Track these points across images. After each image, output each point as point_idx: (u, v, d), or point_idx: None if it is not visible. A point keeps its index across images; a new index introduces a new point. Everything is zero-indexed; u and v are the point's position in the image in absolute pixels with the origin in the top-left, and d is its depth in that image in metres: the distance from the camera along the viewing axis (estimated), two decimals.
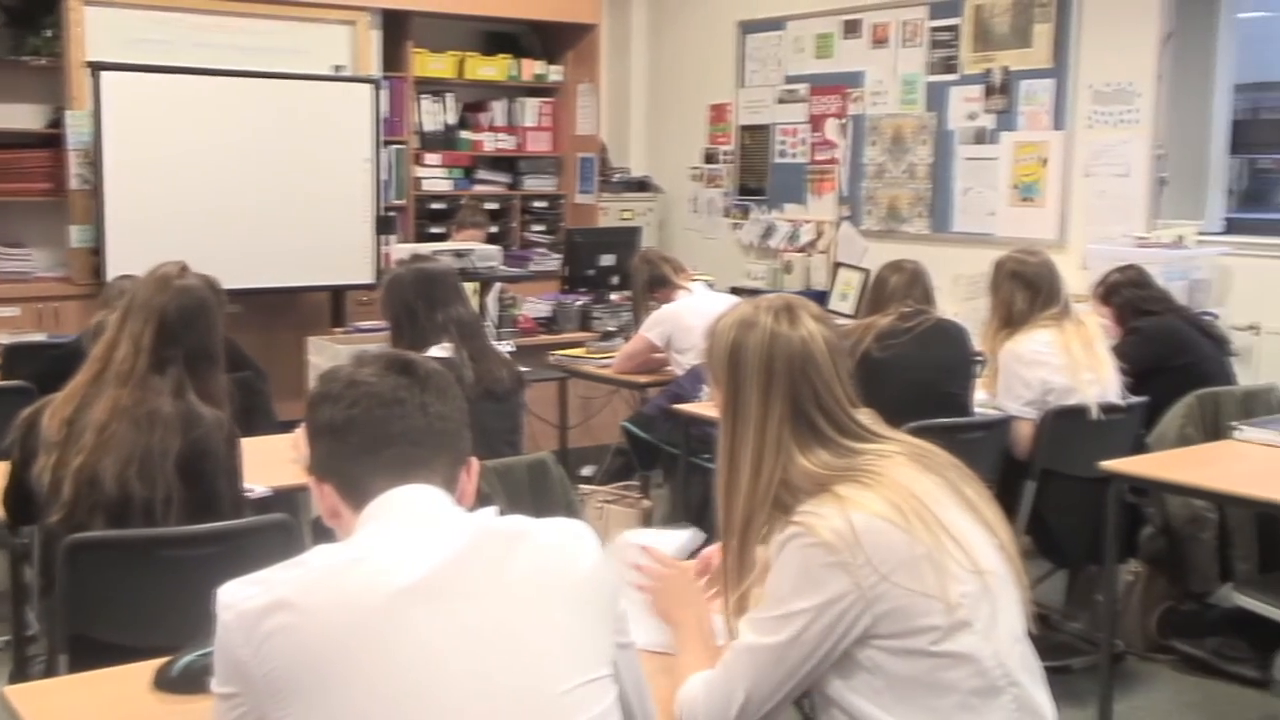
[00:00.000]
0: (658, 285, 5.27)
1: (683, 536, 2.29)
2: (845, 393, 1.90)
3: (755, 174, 7.91)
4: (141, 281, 2.81)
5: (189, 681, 1.93)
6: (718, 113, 8.14)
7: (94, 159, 6.30)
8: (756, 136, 7.88)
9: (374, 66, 7.32)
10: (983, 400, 4.25)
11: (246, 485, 2.86)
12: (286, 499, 3.10)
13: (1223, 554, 4.01)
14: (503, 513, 1.56)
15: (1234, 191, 6.22)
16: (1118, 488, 3.63)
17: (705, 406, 4.30)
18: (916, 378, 4.02)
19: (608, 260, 6.32)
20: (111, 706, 1.95)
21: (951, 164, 6.78)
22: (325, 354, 5.46)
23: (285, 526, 2.62)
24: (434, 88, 7.80)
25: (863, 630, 1.75)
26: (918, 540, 1.75)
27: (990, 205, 6.59)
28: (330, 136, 6.86)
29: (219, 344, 2.84)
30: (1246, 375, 5.02)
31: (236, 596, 1.42)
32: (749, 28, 7.88)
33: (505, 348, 4.61)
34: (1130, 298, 4.57)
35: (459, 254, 5.75)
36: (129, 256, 5.54)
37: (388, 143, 7.28)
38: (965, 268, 6.17)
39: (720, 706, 1.81)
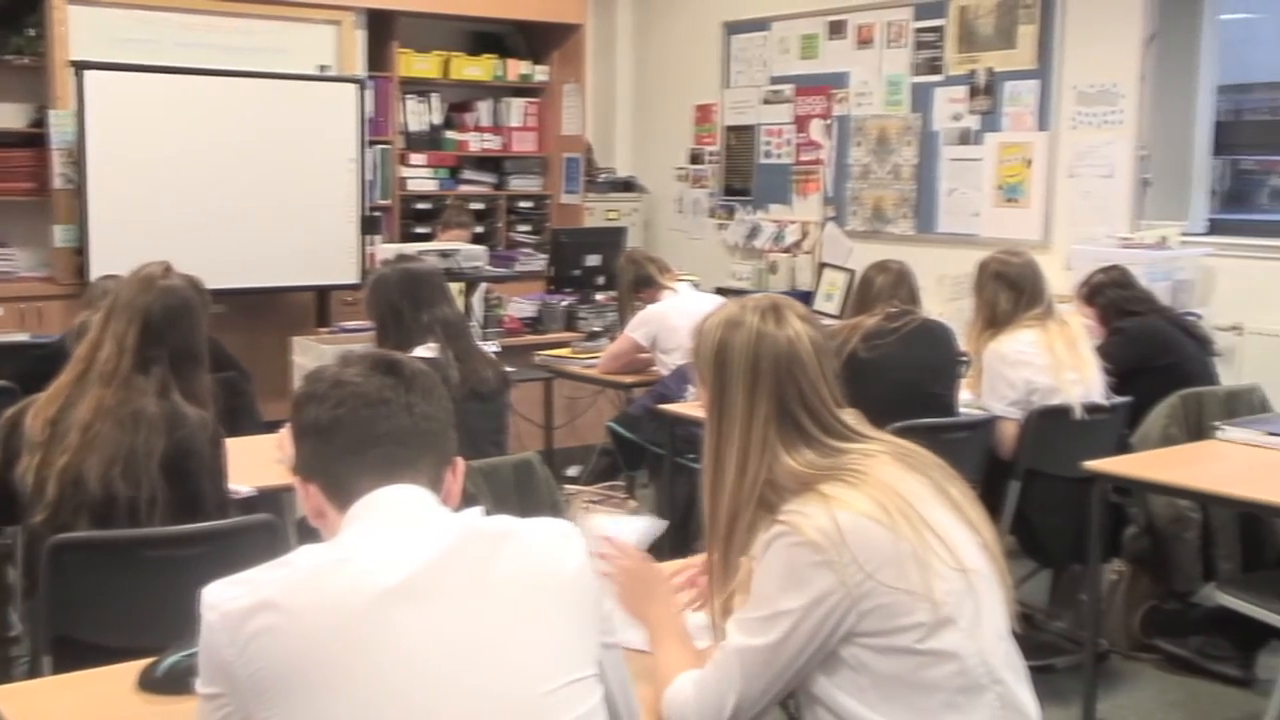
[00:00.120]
0: (643, 285, 5.27)
1: (642, 524, 2.27)
2: (831, 392, 1.91)
3: (740, 174, 7.92)
4: (125, 282, 2.80)
5: (173, 682, 1.93)
6: (703, 113, 8.15)
7: (78, 158, 6.27)
8: (742, 137, 7.89)
9: (359, 66, 7.30)
10: (967, 400, 4.26)
11: (231, 486, 2.85)
12: (271, 499, 3.10)
13: (1206, 553, 4.03)
14: (488, 513, 1.56)
15: (1217, 192, 6.25)
16: (1101, 487, 3.64)
17: (690, 407, 4.31)
18: (902, 378, 4.03)
19: (593, 260, 6.31)
20: (96, 708, 1.94)
21: (936, 165, 6.80)
22: (310, 354, 5.44)
23: (270, 527, 2.62)
24: (419, 88, 7.79)
25: (848, 628, 1.75)
26: (902, 538, 1.76)
27: (975, 206, 6.61)
28: (315, 136, 6.85)
29: (203, 344, 2.84)
30: (1229, 375, 5.05)
31: (221, 597, 1.42)
32: (734, 28, 7.89)
33: (491, 348, 4.61)
34: (1114, 298, 4.58)
35: (444, 254, 5.74)
36: (113, 256, 5.51)
37: (373, 143, 7.27)
38: (950, 268, 6.18)
39: (713, 709, 1.82)
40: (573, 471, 5.78)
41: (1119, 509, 4.01)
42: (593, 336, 5.92)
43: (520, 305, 6.49)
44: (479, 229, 7.31)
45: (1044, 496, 4.00)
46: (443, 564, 1.46)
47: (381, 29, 7.44)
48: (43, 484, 2.55)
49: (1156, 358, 4.43)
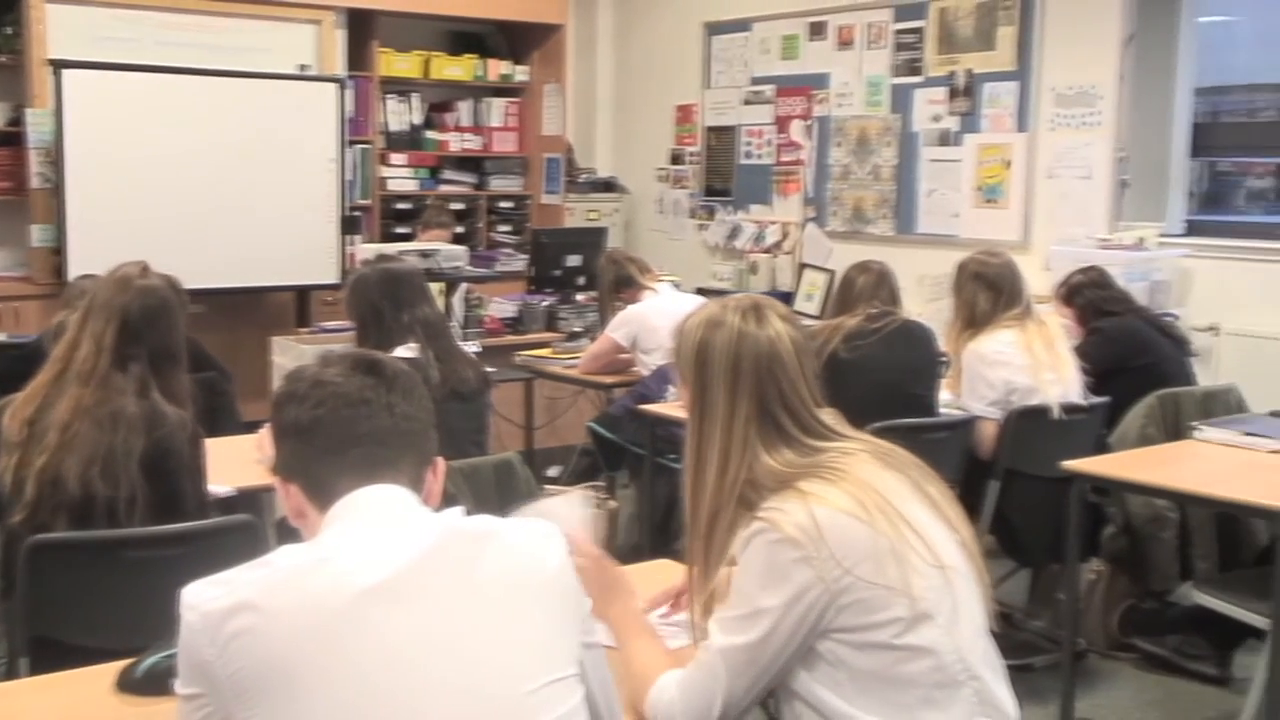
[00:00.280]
0: (624, 286, 5.27)
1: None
2: (811, 392, 1.92)
3: (721, 175, 7.93)
4: (102, 282, 2.79)
5: (152, 683, 1.92)
6: (684, 114, 8.16)
7: (55, 158, 6.24)
8: (722, 138, 7.90)
9: (339, 66, 7.29)
10: (947, 400, 4.28)
11: (210, 486, 2.84)
12: (251, 500, 3.09)
13: (1183, 553, 4.05)
14: (469, 513, 1.56)
15: (1194, 194, 6.28)
16: (1080, 487, 3.66)
17: (671, 407, 4.31)
18: (883, 378, 4.04)
19: (574, 261, 6.31)
20: (74, 709, 1.93)
21: (916, 166, 6.82)
22: (290, 354, 5.43)
23: (249, 527, 2.61)
24: (399, 87, 7.77)
25: (827, 624, 1.76)
26: (880, 534, 1.77)
27: (954, 207, 6.63)
28: (295, 136, 6.83)
29: (181, 343, 2.83)
30: (1206, 376, 5.07)
31: (201, 597, 1.42)
32: (715, 29, 7.89)
33: (471, 348, 4.60)
34: (1092, 299, 4.61)
35: (425, 254, 5.74)
36: (90, 256, 5.50)
37: (353, 142, 7.25)
38: (929, 269, 6.20)
39: (700, 709, 1.82)
40: (553, 472, 5.78)
41: (1097, 509, 4.03)
42: (573, 337, 5.92)
43: (501, 305, 6.49)
44: (459, 229, 7.29)
45: (1023, 496, 4.02)
46: (423, 564, 1.46)
47: (362, 28, 7.42)
48: (21, 484, 2.54)
49: (1134, 358, 4.45)
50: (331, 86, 6.97)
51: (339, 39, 7.33)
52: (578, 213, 8.20)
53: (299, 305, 7.08)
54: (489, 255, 7.61)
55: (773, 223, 7.56)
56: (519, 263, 7.37)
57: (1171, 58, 5.99)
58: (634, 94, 8.54)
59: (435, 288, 5.05)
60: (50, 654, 2.39)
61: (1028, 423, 3.98)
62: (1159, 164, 6.03)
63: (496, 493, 3.08)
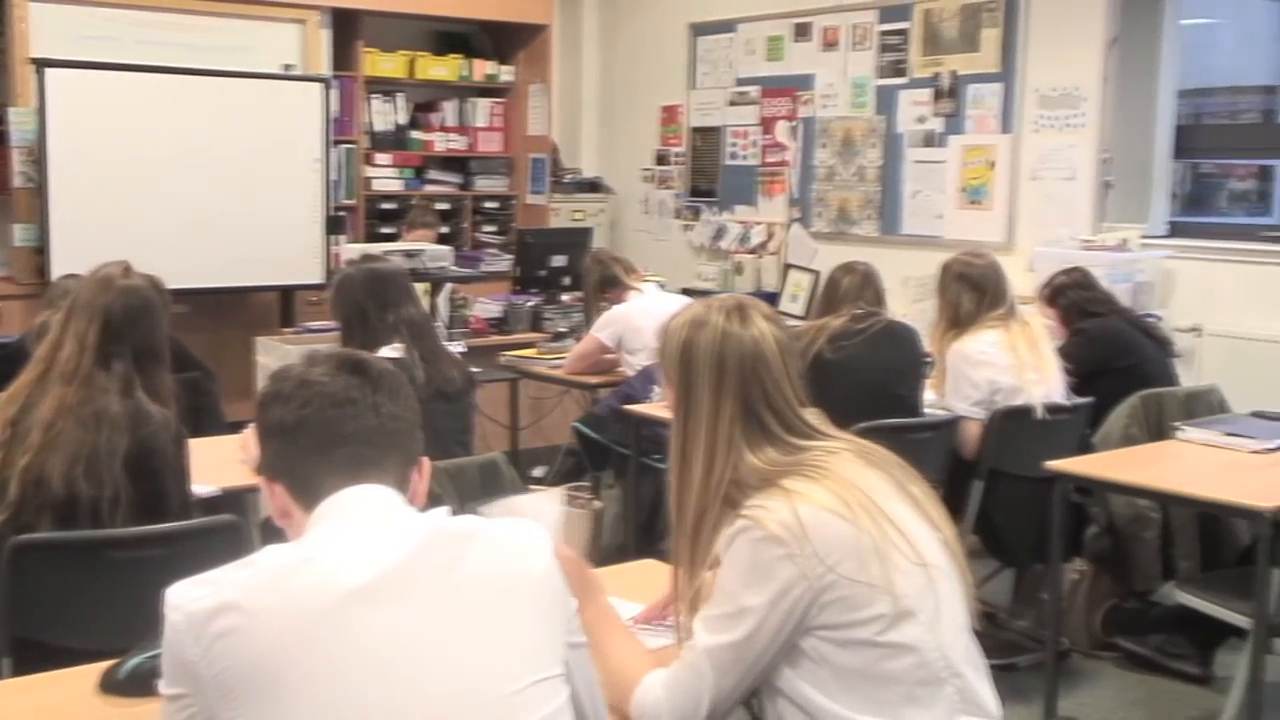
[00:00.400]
0: (609, 286, 5.27)
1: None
2: (794, 392, 1.92)
3: (706, 175, 7.94)
4: (84, 282, 2.79)
5: (136, 684, 1.92)
6: (669, 114, 8.16)
7: (38, 157, 6.22)
8: (708, 138, 7.91)
9: (324, 66, 7.27)
10: (931, 400, 4.29)
11: (194, 486, 2.84)
12: (235, 500, 3.09)
13: (1165, 553, 4.07)
14: (454, 514, 1.56)
15: (1177, 195, 6.31)
16: (1063, 487, 3.68)
17: (656, 407, 4.31)
18: (868, 379, 4.04)
19: (559, 261, 6.31)
20: (56, 710, 1.93)
21: (900, 167, 6.83)
22: (274, 354, 5.42)
23: (233, 528, 2.61)
24: (384, 87, 7.76)
25: (810, 621, 1.77)
26: (863, 531, 1.78)
27: (939, 208, 6.65)
28: (280, 136, 6.82)
29: (164, 343, 2.82)
30: (1189, 376, 5.09)
31: (185, 597, 1.41)
32: (700, 30, 7.90)
33: (456, 348, 4.60)
34: (1075, 299, 4.63)
35: (410, 254, 5.73)
36: (74, 256, 5.48)
37: (338, 142, 7.24)
38: (914, 270, 6.21)
39: (688, 709, 1.82)
40: (538, 472, 5.78)
41: (1080, 509, 4.04)
42: (558, 337, 5.91)
43: (486, 306, 6.48)
44: (444, 229, 7.29)
45: (1006, 496, 4.03)
46: (408, 565, 1.46)
47: (346, 28, 7.40)
48: (4, 484, 2.52)
49: (1117, 359, 4.47)
50: (316, 86, 6.96)
51: (324, 38, 7.32)
52: (563, 213, 8.19)
53: (283, 305, 7.07)
54: (474, 255, 7.60)
55: (758, 223, 7.57)
56: (504, 263, 7.36)
57: (1154, 60, 6.02)
58: (619, 94, 8.54)
59: (420, 288, 5.04)
60: (33, 655, 2.38)
61: (1011, 423, 3.99)
62: (1142, 165, 6.06)
63: (482, 493, 3.07)
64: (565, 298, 6.34)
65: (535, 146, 8.20)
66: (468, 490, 3.04)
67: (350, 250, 5.83)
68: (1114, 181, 6.02)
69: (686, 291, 6.36)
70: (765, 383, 1.90)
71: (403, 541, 1.48)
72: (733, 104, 7.73)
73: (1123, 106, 6.00)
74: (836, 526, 1.78)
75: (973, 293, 4.14)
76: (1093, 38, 5.97)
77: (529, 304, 6.36)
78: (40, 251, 6.24)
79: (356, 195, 7.51)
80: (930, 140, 6.68)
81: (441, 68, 7.91)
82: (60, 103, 6.15)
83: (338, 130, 7.21)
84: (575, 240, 6.56)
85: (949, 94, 6.56)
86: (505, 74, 8.16)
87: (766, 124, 7.53)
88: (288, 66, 7.12)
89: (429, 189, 7.93)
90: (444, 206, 7.76)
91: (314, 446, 1.54)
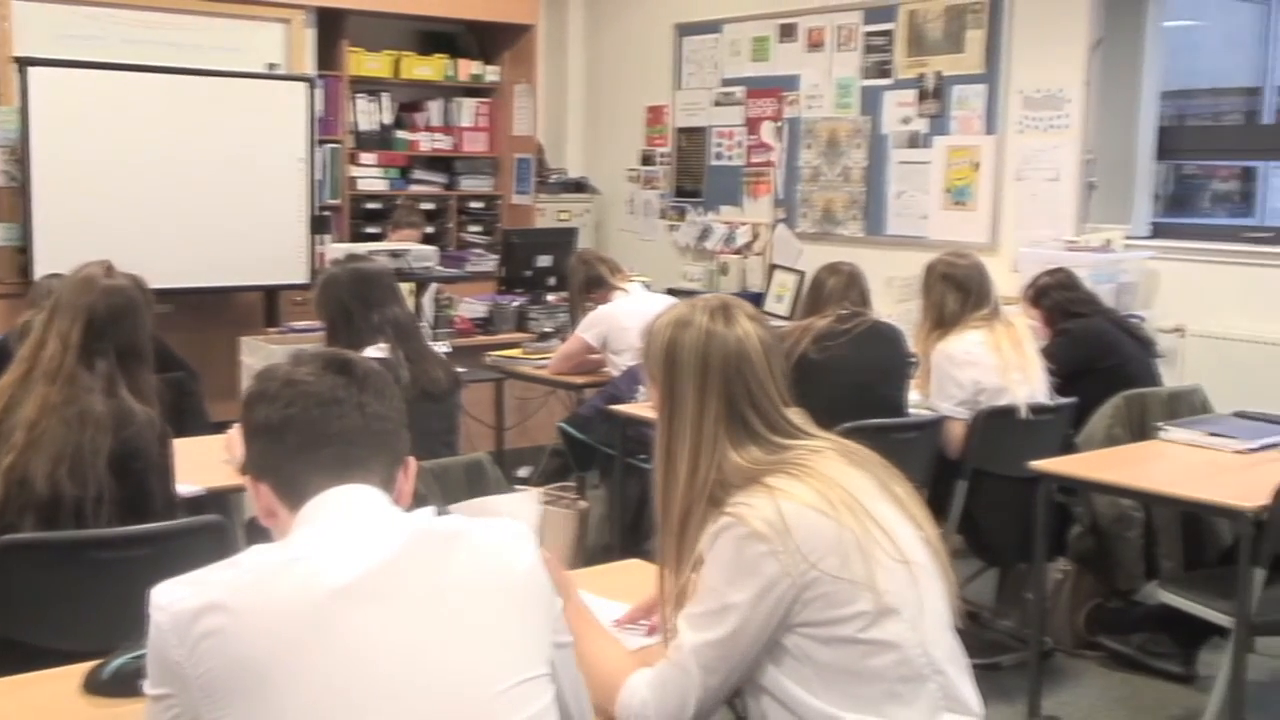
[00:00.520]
0: (594, 286, 5.27)
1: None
2: (778, 391, 1.93)
3: (692, 176, 7.94)
4: (67, 281, 2.78)
5: (120, 684, 1.91)
6: (654, 114, 8.17)
7: (21, 156, 6.20)
8: (693, 138, 7.92)
9: (309, 65, 7.26)
10: (916, 401, 4.30)
11: (178, 486, 2.83)
12: (219, 500, 3.08)
13: (1148, 552, 4.08)
14: (439, 514, 1.56)
15: (1160, 196, 6.34)
16: (1047, 487, 3.69)
17: (641, 407, 4.32)
18: (853, 379, 4.05)
19: (544, 261, 6.31)
20: (40, 711, 1.92)
21: (885, 167, 6.85)
22: (259, 354, 5.41)
23: (218, 528, 2.60)
24: (369, 87, 7.75)
25: (793, 617, 1.78)
26: (846, 528, 1.79)
27: (923, 208, 6.67)
28: (264, 135, 6.80)
29: (148, 342, 2.81)
30: (1171, 377, 5.12)
31: (170, 597, 1.41)
32: (685, 30, 7.91)
33: (441, 348, 4.59)
34: (1059, 300, 4.64)
35: (395, 254, 5.72)
36: (57, 255, 5.46)
37: (322, 142, 7.22)
38: (899, 270, 6.23)
39: (674, 708, 1.82)
40: (524, 472, 5.77)
41: (1064, 508, 4.05)
42: (544, 337, 5.91)
43: (471, 306, 6.48)
44: (429, 229, 7.28)
45: (990, 496, 4.05)
46: (393, 565, 1.46)
47: (331, 28, 7.39)
48: None
49: (1101, 359, 4.48)
50: (301, 86, 6.95)
51: (308, 38, 7.30)
52: (548, 213, 8.19)
53: (268, 305, 7.05)
54: (459, 255, 7.60)
55: (743, 224, 7.58)
56: (489, 263, 7.36)
57: (1138, 61, 6.04)
58: (605, 95, 8.54)
59: (405, 288, 5.03)
60: (15, 656, 2.36)
61: (995, 423, 4.01)
62: (1125, 167, 6.08)
63: (467, 493, 3.07)
64: (550, 298, 6.34)
65: (520, 146, 8.20)
66: (453, 490, 3.04)
67: (335, 250, 5.82)
68: (1097, 182, 6.04)
69: (672, 292, 6.35)
70: (749, 382, 1.90)
71: (388, 542, 1.48)
72: (718, 104, 7.74)
73: (1106, 108, 6.03)
74: (819, 523, 1.78)
75: (957, 293, 4.15)
76: (1077, 39, 5.99)
77: (514, 304, 6.35)
78: (23, 251, 6.22)
79: (341, 195, 7.49)
80: (915, 141, 6.70)
81: (426, 67, 7.90)
82: (44, 101, 6.13)
83: (322, 130, 7.20)
84: (560, 240, 6.56)
85: (934, 95, 6.58)
86: (490, 74, 8.16)
87: (752, 124, 7.54)
88: (272, 66, 7.11)
89: (414, 189, 7.92)
90: (429, 206, 7.75)
91: (299, 446, 1.54)
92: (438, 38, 8.16)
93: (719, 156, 7.77)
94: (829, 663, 1.78)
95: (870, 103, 6.90)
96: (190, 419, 3.69)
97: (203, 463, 3.14)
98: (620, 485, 4.65)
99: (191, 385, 4.01)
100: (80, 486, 2.53)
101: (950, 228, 6.47)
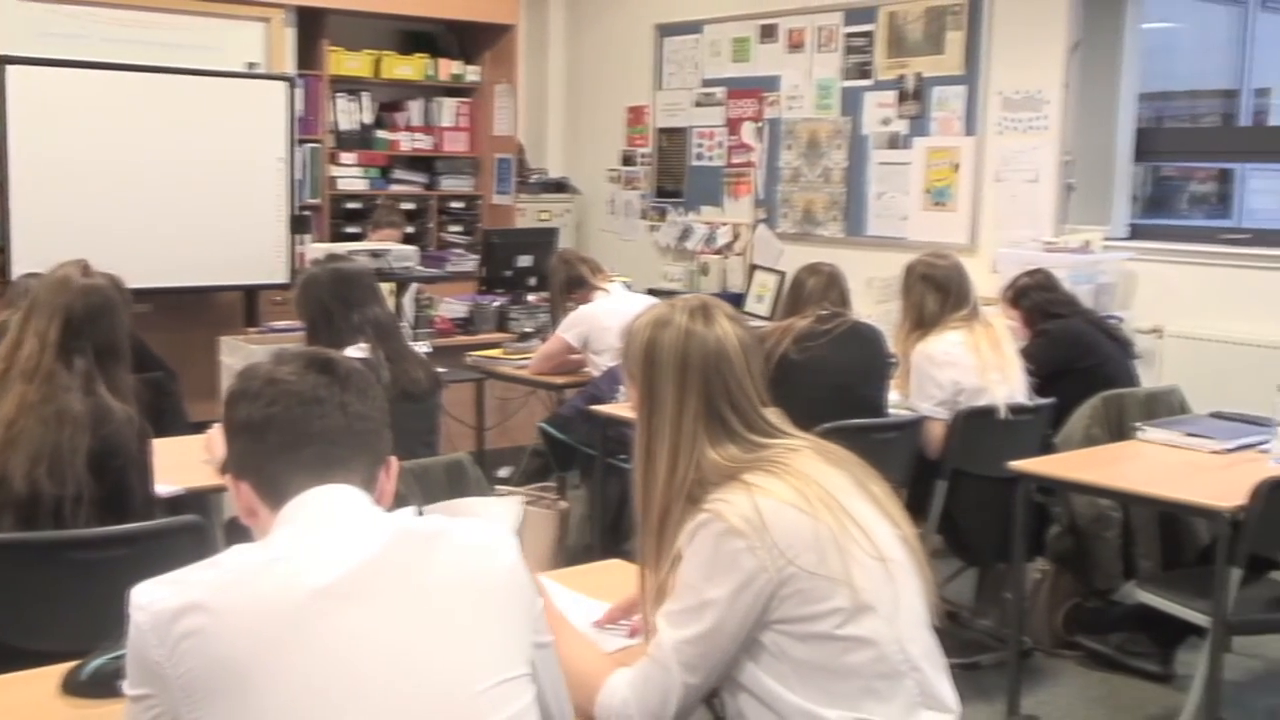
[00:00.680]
0: (575, 286, 5.27)
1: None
2: (756, 391, 1.94)
3: (672, 176, 7.95)
4: (44, 281, 2.77)
5: (99, 685, 1.91)
6: (635, 115, 8.17)
7: None
8: (674, 139, 7.92)
9: (288, 64, 7.24)
10: (895, 401, 4.31)
11: (157, 486, 2.82)
12: (199, 500, 3.07)
13: (1126, 552, 4.10)
14: (418, 514, 1.56)
15: (1138, 198, 6.37)
16: (1026, 487, 3.70)
17: (622, 407, 4.31)
18: (834, 379, 4.06)
19: (525, 261, 6.31)
20: (17, 712, 1.91)
21: (866, 168, 6.87)
22: (238, 354, 5.39)
23: (197, 528, 2.59)
24: (350, 86, 7.73)
25: (770, 614, 1.78)
26: (823, 525, 1.80)
27: (903, 209, 6.68)
28: (244, 134, 6.77)
29: (125, 341, 2.81)
30: (1149, 377, 5.14)
31: (150, 597, 1.41)
32: (666, 30, 7.91)
33: (422, 348, 4.58)
34: (1038, 301, 4.66)
35: (375, 254, 5.71)
36: (35, 254, 5.41)
37: (302, 141, 7.20)
38: (879, 271, 6.24)
39: (655, 706, 1.83)
40: (504, 472, 5.77)
41: (1042, 508, 4.07)
42: (524, 337, 5.91)
43: (451, 306, 6.47)
44: (410, 229, 7.26)
45: (970, 496, 4.06)
46: (374, 565, 1.46)
47: (311, 27, 7.37)
48: None
49: (1079, 360, 4.50)
50: (280, 85, 6.92)
51: (288, 37, 7.28)
52: (529, 213, 8.19)
53: (247, 305, 7.02)
54: (440, 255, 7.58)
55: (724, 224, 7.59)
56: (470, 263, 7.35)
57: (1116, 63, 6.07)
58: (585, 95, 8.54)
59: (386, 288, 5.02)
60: None
61: (975, 423, 4.02)
62: (1104, 168, 6.11)
63: (448, 493, 3.06)
64: (531, 298, 6.33)
65: (501, 146, 8.19)
66: (433, 491, 3.03)
67: (315, 250, 5.81)
68: (1076, 184, 6.07)
69: (653, 292, 6.36)
70: (728, 381, 1.91)
71: (368, 542, 1.48)
72: (699, 105, 7.75)
73: (1085, 109, 6.05)
74: (796, 520, 1.79)
75: (936, 294, 4.17)
76: (1055, 41, 6.01)
77: (495, 304, 6.35)
78: (1, 250, 6.18)
79: (321, 195, 7.47)
80: (895, 142, 6.72)
81: (407, 67, 7.88)
82: (22, 100, 6.09)
83: (302, 129, 7.18)
84: (541, 240, 6.56)
85: (914, 96, 6.60)
86: (471, 74, 8.15)
87: (732, 125, 7.55)
88: (252, 65, 7.08)
89: (394, 189, 7.90)
90: (409, 206, 7.74)
91: (281, 445, 1.54)
92: (418, 37, 8.14)
93: (700, 157, 7.77)
94: (806, 659, 1.79)
95: (850, 104, 6.91)
96: (169, 419, 3.67)
97: (182, 463, 3.13)
98: (601, 485, 4.65)
99: (170, 385, 3.99)
100: (59, 485, 2.52)
101: (930, 228, 6.49)
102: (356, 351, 3.54)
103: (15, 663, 2.07)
